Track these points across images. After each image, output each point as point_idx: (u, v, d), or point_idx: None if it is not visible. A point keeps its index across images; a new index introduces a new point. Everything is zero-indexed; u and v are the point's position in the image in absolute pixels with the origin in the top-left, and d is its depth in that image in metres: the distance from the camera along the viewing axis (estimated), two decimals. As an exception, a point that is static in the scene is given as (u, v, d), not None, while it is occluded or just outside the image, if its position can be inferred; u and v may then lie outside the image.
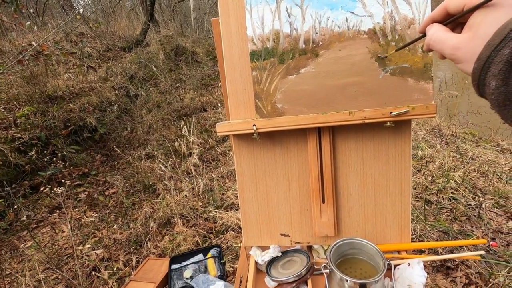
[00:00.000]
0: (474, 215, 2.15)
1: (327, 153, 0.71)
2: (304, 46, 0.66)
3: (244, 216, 0.80)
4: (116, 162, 3.48)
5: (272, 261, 0.78)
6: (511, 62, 0.28)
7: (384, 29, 0.63)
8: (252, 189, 0.78)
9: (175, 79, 5.31)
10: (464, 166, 2.57)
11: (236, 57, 0.71)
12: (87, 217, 2.67)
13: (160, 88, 5.00)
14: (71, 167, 3.11)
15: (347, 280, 0.59)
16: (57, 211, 2.80)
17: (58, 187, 2.51)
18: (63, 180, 2.73)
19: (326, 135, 0.70)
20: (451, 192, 2.34)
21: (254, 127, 0.68)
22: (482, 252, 0.63)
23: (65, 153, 3.18)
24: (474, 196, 2.31)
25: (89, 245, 2.08)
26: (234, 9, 0.69)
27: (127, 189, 3.06)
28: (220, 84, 5.42)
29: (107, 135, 3.72)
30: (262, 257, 0.77)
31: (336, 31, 0.64)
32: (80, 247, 2.15)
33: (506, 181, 2.45)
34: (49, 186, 2.55)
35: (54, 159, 2.99)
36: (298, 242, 0.79)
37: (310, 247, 0.84)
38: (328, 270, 0.65)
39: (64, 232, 2.53)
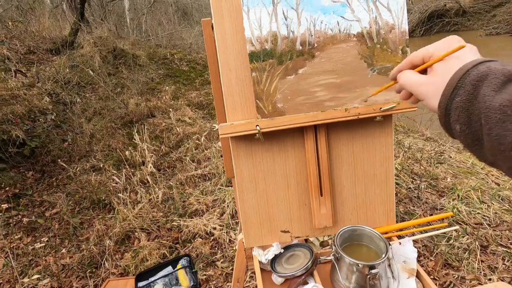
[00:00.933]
0: (415, 197, 2.47)
1: (323, 148, 0.75)
2: (301, 47, 0.69)
3: (244, 218, 0.79)
4: (54, 179, 3.07)
5: (275, 258, 0.80)
6: (464, 107, 0.33)
7: (371, 32, 0.69)
8: (251, 190, 0.78)
9: (116, 83, 4.91)
10: (402, 155, 2.92)
11: (231, 59, 0.71)
12: (24, 244, 2.30)
13: (99, 94, 4.58)
14: (-3, 189, 2.65)
15: (358, 264, 0.63)
16: (-19, 242, 2.35)
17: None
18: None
19: (322, 132, 0.74)
20: (395, 178, 2.66)
21: (258, 128, 0.69)
22: (457, 227, 0.75)
23: (-14, 173, 2.69)
24: (412, 180, 2.66)
25: (37, 275, 1.80)
26: (228, 10, 0.69)
27: (72, 207, 2.73)
28: (167, 88, 5.19)
29: (40, 149, 3.26)
30: (266, 256, 0.78)
31: (329, 34, 0.69)
32: (26, 279, 1.85)
33: (434, 164, 2.86)
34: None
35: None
36: (298, 237, 0.82)
37: (305, 240, 0.88)
38: (333, 258, 0.69)
39: (-5, 265, 2.14)
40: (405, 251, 0.72)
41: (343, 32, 0.69)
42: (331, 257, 0.68)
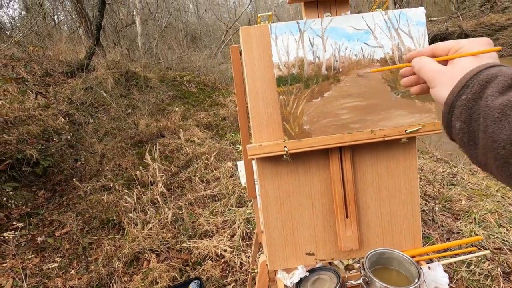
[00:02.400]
0: (429, 219, 2.42)
1: (348, 170, 0.76)
2: (326, 72, 0.72)
3: (269, 240, 0.79)
4: (65, 198, 3.09)
5: (300, 282, 0.78)
6: (468, 105, 0.35)
7: (393, 58, 0.72)
8: (276, 211, 0.78)
9: (127, 105, 5.04)
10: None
11: (258, 83, 0.74)
12: (33, 264, 2.28)
13: (111, 115, 4.68)
14: (10, 208, 2.66)
15: (390, 289, 0.62)
16: (-10, 262, 2.34)
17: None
18: (0, 223, 2.32)
19: (347, 153, 0.75)
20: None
21: (286, 149, 0.70)
22: (488, 252, 0.73)
23: (-1, 191, 2.72)
24: (426, 202, 2.61)
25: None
26: (256, 37, 0.73)
27: (81, 227, 2.72)
28: (176, 109, 5.30)
29: (52, 168, 3.30)
30: (291, 279, 0.77)
31: (353, 59, 0.72)
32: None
33: (447, 186, 2.82)
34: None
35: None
36: (323, 260, 0.80)
37: (330, 263, 0.86)
38: (363, 282, 0.68)
39: (4, 286, 2.11)
40: (435, 276, 0.70)
41: (367, 58, 0.72)
42: (360, 281, 0.67)
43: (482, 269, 1.84)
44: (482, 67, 0.36)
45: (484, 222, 2.25)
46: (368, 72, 0.69)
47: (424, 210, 2.52)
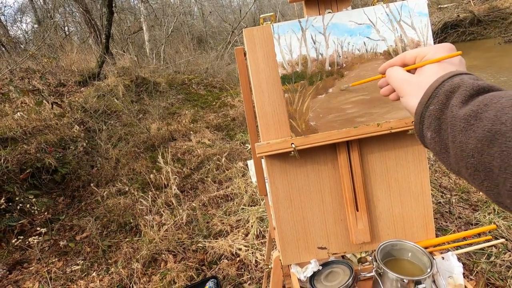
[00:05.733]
0: (446, 211, 2.37)
1: (357, 164, 0.77)
2: (330, 68, 0.73)
3: (281, 235, 0.80)
4: (83, 203, 3.19)
5: (313, 276, 0.79)
6: (436, 116, 0.35)
7: (397, 50, 0.72)
8: (287, 207, 0.80)
9: (138, 110, 5.14)
10: (429, 168, 2.84)
11: (264, 82, 0.76)
12: (57, 268, 2.37)
13: (124, 121, 4.79)
14: (33, 215, 2.77)
15: (403, 280, 0.62)
16: (18, 266, 2.45)
17: (20, 238, 2.22)
18: (24, 229, 2.42)
19: (355, 147, 0.76)
20: (423, 193, 2.57)
21: (293, 145, 0.72)
22: (502, 240, 0.72)
23: (22, 199, 2.84)
24: (442, 194, 2.56)
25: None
26: (260, 38, 0.74)
27: (100, 231, 2.80)
28: (186, 111, 5.37)
29: (70, 175, 3.42)
30: (304, 273, 0.78)
31: (356, 53, 0.72)
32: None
33: (464, 178, 2.75)
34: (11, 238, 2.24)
35: (10, 207, 2.65)
36: (335, 253, 0.81)
37: (342, 257, 0.87)
38: (376, 273, 0.68)
39: (31, 290, 2.21)
40: (450, 266, 0.70)
41: (370, 52, 0.72)
42: (373, 273, 0.68)
43: (503, 260, 1.80)
44: (446, 76, 0.36)
45: (504, 212, 2.19)
46: (349, 86, 0.70)
47: (440, 202, 2.48)
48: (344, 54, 0.72)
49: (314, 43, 0.72)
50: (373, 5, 0.74)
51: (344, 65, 0.73)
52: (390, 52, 0.72)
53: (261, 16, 0.74)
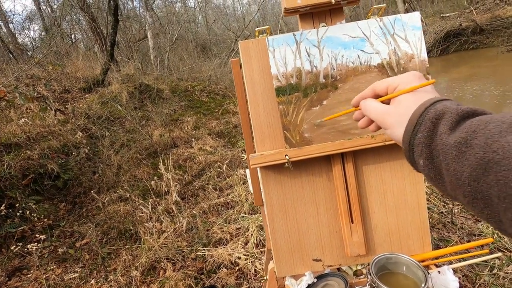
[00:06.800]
0: (448, 222, 2.34)
1: (351, 175, 0.76)
2: (324, 80, 0.73)
3: (275, 246, 0.80)
4: (84, 209, 3.20)
5: (308, 289, 0.79)
6: (426, 143, 0.35)
7: (391, 63, 0.73)
8: (281, 218, 0.80)
9: (141, 116, 5.18)
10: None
11: (259, 94, 0.76)
12: (56, 275, 2.37)
13: (126, 127, 4.83)
14: (33, 221, 2.78)
15: (396, 294, 0.62)
16: (18, 273, 2.45)
17: (19, 244, 2.22)
18: (24, 235, 2.43)
19: (349, 159, 0.76)
20: (424, 203, 2.54)
21: (287, 157, 0.72)
22: (500, 254, 0.72)
23: (24, 205, 2.85)
24: (444, 204, 2.53)
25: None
26: (255, 51, 0.75)
27: (100, 238, 2.80)
28: (188, 118, 5.40)
29: (72, 181, 3.43)
30: (299, 286, 0.77)
31: (350, 66, 0.73)
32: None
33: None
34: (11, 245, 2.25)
35: (11, 213, 2.67)
36: (330, 266, 0.81)
37: (338, 269, 0.86)
38: (370, 287, 0.67)
39: (30, 297, 2.20)
40: (445, 281, 0.69)
41: (364, 64, 0.73)
42: (367, 287, 0.67)
43: (507, 273, 1.76)
44: (428, 103, 0.36)
45: (506, 223, 2.16)
46: (323, 121, 0.72)
47: (442, 212, 2.45)
48: (338, 67, 0.73)
49: (309, 55, 0.73)
50: (368, 18, 0.75)
51: (338, 77, 0.73)
52: (384, 65, 0.73)
53: (256, 29, 0.76)
